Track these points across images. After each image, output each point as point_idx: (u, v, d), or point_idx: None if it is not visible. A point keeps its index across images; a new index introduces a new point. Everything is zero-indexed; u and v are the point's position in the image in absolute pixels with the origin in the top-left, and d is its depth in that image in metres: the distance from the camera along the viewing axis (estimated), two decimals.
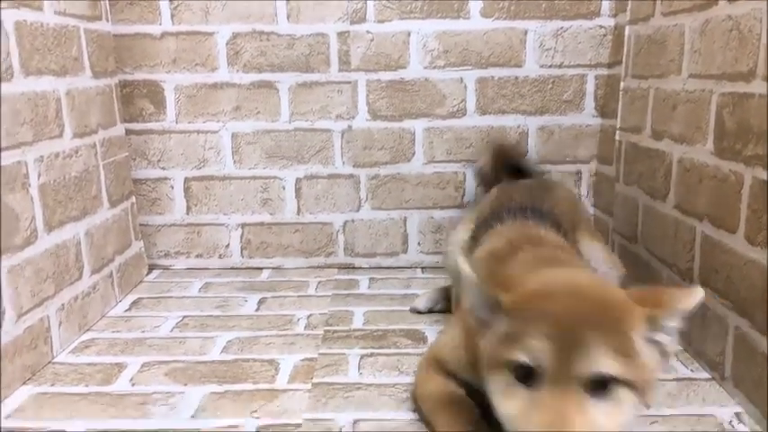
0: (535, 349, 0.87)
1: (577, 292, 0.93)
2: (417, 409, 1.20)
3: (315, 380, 1.36)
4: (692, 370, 1.38)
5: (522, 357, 0.88)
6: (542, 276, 1.00)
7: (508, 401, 0.90)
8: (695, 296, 0.93)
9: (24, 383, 1.34)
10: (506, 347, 0.90)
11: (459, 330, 1.17)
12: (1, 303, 1.28)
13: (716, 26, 1.33)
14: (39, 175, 1.43)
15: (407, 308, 1.75)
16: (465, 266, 0.98)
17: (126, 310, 1.77)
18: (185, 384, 1.34)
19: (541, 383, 0.87)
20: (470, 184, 2.07)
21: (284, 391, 1.31)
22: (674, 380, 1.34)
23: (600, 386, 0.86)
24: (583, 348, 0.85)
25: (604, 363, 0.85)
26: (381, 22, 1.97)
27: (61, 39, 1.56)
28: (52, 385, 1.35)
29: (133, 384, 1.35)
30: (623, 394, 0.87)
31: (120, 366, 1.43)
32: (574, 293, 0.93)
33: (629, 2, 1.80)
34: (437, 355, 1.22)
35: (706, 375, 1.35)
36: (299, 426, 1.18)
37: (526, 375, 0.88)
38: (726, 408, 1.24)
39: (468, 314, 1.03)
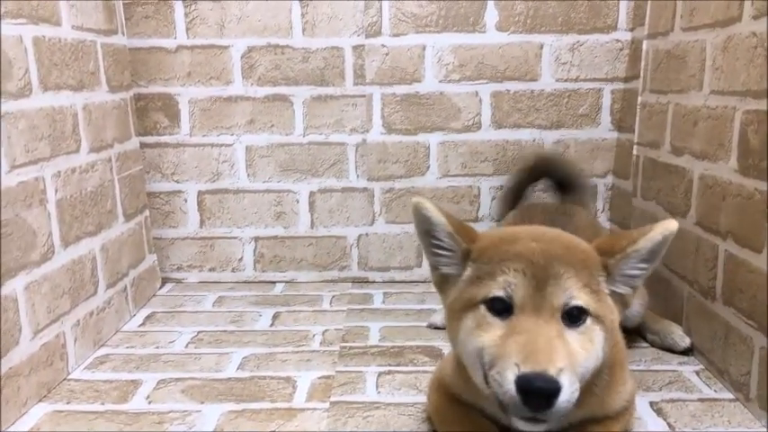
0: (511, 283, 0.91)
1: (543, 237, 0.97)
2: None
3: (333, 398, 1.34)
4: (715, 390, 1.36)
5: (498, 292, 0.91)
6: (507, 228, 1.05)
7: (484, 333, 0.92)
8: (652, 235, 0.96)
9: (40, 401, 1.33)
10: (479, 287, 0.94)
11: (454, 355, 1.16)
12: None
13: (739, 42, 1.32)
14: (56, 191, 1.43)
15: (423, 323, 1.74)
16: (436, 213, 0.99)
17: (140, 325, 1.76)
18: (202, 402, 1.33)
19: (514, 313, 0.91)
20: (485, 198, 2.05)
21: (302, 410, 1.30)
22: (697, 400, 1.32)
23: (573, 318, 0.91)
24: (557, 281, 0.90)
25: (578, 295, 0.90)
26: (397, 35, 1.97)
27: (78, 53, 1.55)
28: (68, 403, 1.34)
29: (150, 402, 1.34)
30: (594, 327, 0.92)
31: (136, 383, 1.42)
32: (539, 238, 0.96)
33: (647, 16, 1.79)
34: (440, 380, 1.20)
35: (730, 396, 1.33)
36: None
37: (502, 310, 0.91)
38: (752, 430, 1.22)
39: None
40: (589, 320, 0.92)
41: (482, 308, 0.93)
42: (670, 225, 0.96)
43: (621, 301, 0.99)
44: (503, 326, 0.91)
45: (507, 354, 0.86)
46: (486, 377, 0.91)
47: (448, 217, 1.00)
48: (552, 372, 0.83)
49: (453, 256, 1.00)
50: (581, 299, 0.91)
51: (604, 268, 0.96)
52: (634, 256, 0.96)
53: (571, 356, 0.87)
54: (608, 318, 0.94)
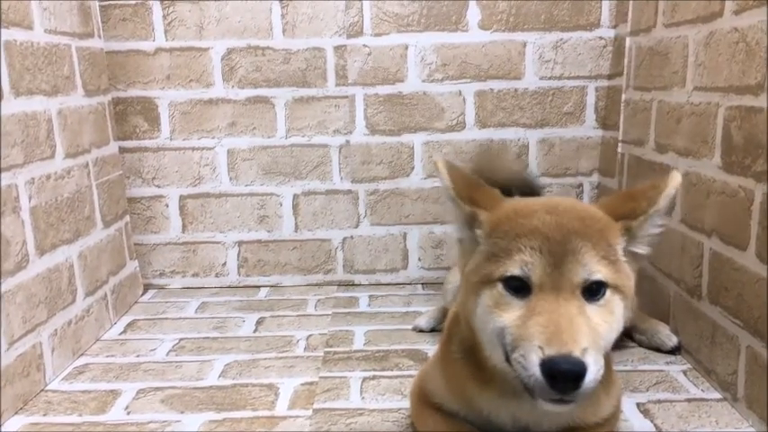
0: (527, 262, 0.89)
1: (558, 210, 0.94)
2: None
3: (316, 405, 1.32)
4: (702, 390, 1.35)
5: (515, 270, 0.89)
6: (519, 200, 1.01)
7: (504, 313, 0.90)
8: (668, 192, 0.97)
9: (16, 413, 1.30)
10: (496, 264, 0.92)
11: (438, 360, 1.14)
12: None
13: (721, 38, 1.31)
14: (30, 198, 1.39)
15: (409, 326, 1.72)
16: (445, 175, 0.98)
17: (121, 333, 1.73)
18: (182, 412, 1.30)
19: (533, 293, 0.89)
20: None
21: (284, 418, 1.27)
22: (685, 401, 1.31)
23: (593, 292, 0.89)
24: (575, 256, 0.88)
25: (596, 269, 0.89)
26: (378, 35, 1.95)
27: (52, 57, 1.52)
28: (44, 415, 1.30)
29: (128, 413, 1.31)
30: (614, 299, 0.91)
31: (115, 393, 1.39)
32: (555, 210, 0.94)
33: (630, 13, 1.77)
34: (422, 388, 1.17)
35: (718, 396, 1.32)
36: None
37: (520, 288, 0.90)
38: (739, 430, 1.20)
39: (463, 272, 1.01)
40: (608, 292, 0.90)
41: (499, 286, 0.90)
42: (677, 177, 0.98)
43: (637, 261, 0.99)
44: (522, 305, 0.89)
45: (530, 335, 0.85)
46: (507, 358, 0.90)
47: (456, 180, 0.97)
48: (577, 353, 0.82)
49: (460, 220, 0.98)
50: (600, 272, 0.89)
51: (627, 231, 0.95)
52: (655, 215, 0.97)
53: (594, 332, 0.86)
54: (626, 285, 0.94)
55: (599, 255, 0.90)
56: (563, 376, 0.81)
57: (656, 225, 0.98)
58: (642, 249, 0.98)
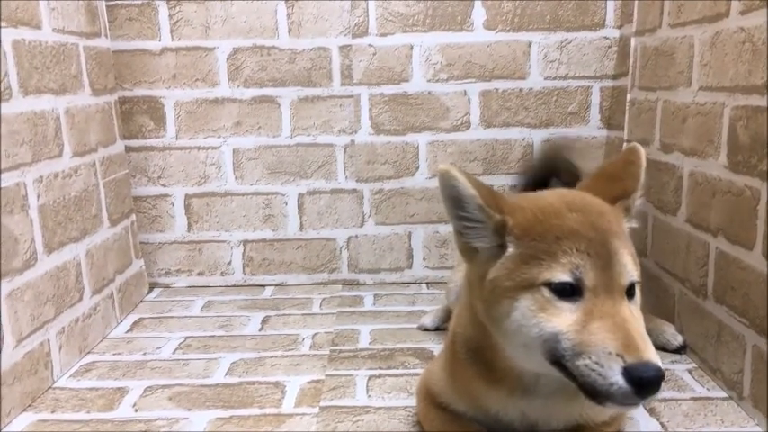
0: (579, 265, 0.87)
1: (576, 205, 0.94)
2: None
3: (322, 403, 1.32)
4: (708, 389, 1.35)
5: (565, 275, 0.87)
6: (526, 197, 1.01)
7: (554, 318, 0.87)
8: (643, 164, 1.00)
9: (24, 410, 1.31)
10: (538, 267, 0.89)
11: (444, 361, 1.14)
12: (0, 329, 1.24)
13: (727, 38, 1.31)
14: (38, 197, 1.40)
15: (414, 325, 1.72)
16: (465, 184, 0.93)
17: (127, 331, 1.73)
18: (189, 409, 1.31)
19: (585, 296, 0.87)
20: None
21: (291, 415, 1.28)
22: (690, 399, 1.31)
23: (630, 291, 0.90)
24: (618, 258, 0.88)
25: (633, 268, 0.90)
26: (383, 35, 1.95)
27: (60, 56, 1.53)
28: (53, 412, 1.31)
29: (136, 410, 1.31)
30: (637, 292, 0.92)
31: (123, 391, 1.39)
32: (576, 207, 0.93)
33: (635, 13, 1.78)
34: (428, 387, 1.17)
35: (723, 394, 1.32)
36: None
37: (568, 292, 0.88)
38: (745, 428, 1.20)
39: (458, 245, 1.00)
40: (636, 287, 0.92)
41: (544, 290, 0.88)
42: (639, 147, 1.01)
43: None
44: (574, 309, 0.87)
45: (600, 342, 0.84)
46: (557, 362, 0.88)
47: (478, 188, 0.93)
48: (655, 358, 0.82)
49: (484, 229, 0.94)
50: (635, 271, 0.90)
51: (626, 212, 0.97)
52: (640, 189, 1.00)
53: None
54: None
55: (630, 253, 0.91)
56: (650, 383, 0.81)
57: (639, 197, 1.00)
58: (634, 224, 1.00)
